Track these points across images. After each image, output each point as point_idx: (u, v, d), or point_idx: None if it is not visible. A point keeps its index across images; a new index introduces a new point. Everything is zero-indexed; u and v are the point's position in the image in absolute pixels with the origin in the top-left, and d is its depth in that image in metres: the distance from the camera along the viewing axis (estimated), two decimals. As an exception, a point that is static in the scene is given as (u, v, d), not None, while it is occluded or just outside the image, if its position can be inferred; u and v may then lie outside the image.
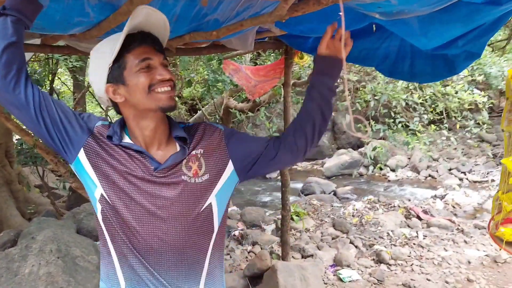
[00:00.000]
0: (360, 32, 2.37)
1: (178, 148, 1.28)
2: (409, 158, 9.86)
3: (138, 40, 1.23)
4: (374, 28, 2.36)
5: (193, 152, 1.28)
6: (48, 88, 6.43)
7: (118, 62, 1.22)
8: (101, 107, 8.89)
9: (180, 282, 1.24)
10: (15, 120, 3.35)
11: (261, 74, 3.50)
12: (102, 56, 1.25)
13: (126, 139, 1.27)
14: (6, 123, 2.71)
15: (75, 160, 1.25)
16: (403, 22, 1.87)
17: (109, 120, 1.35)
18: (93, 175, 1.23)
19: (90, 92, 8.94)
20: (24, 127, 3.48)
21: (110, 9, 1.53)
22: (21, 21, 1.17)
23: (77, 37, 1.90)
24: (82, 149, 1.24)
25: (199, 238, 1.26)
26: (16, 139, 4.77)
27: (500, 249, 1.63)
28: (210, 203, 1.27)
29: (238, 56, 5.57)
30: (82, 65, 7.52)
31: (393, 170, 9.32)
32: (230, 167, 1.31)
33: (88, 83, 8.85)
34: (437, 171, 9.05)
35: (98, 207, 1.25)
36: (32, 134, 3.11)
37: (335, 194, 7.61)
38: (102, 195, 1.23)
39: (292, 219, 5.22)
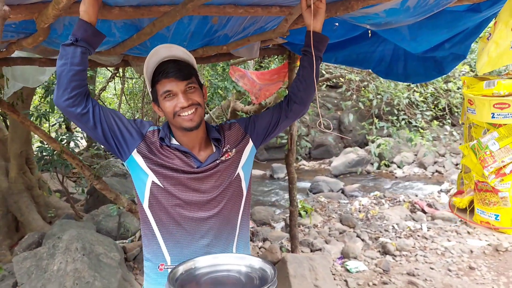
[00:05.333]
0: (357, 38, 2.59)
1: (214, 149, 1.60)
2: (415, 155, 9.98)
3: (162, 73, 1.49)
4: (370, 34, 2.57)
5: (224, 150, 1.60)
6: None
7: (153, 88, 1.54)
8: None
9: (220, 242, 1.56)
10: (43, 128, 3.59)
11: (266, 78, 3.71)
12: (146, 82, 1.58)
13: (174, 141, 1.57)
14: (36, 132, 2.94)
15: (129, 158, 1.53)
16: (394, 29, 2.07)
17: (158, 125, 1.65)
18: (146, 168, 1.51)
19: (99, 100, 9.23)
20: (51, 135, 3.75)
21: (134, 29, 1.77)
22: (88, 51, 1.39)
23: (101, 53, 2.14)
24: (135, 149, 1.52)
25: (234, 201, 1.60)
26: (37, 147, 5.03)
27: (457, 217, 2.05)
28: (239, 173, 1.62)
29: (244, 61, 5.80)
30: (92, 74, 7.79)
31: (400, 167, 9.45)
32: (250, 144, 1.67)
33: (99, 91, 9.15)
34: (443, 166, 9.14)
35: (146, 195, 1.53)
36: (60, 142, 3.35)
37: (343, 192, 7.70)
38: (153, 182, 1.51)
39: (300, 215, 5.43)
